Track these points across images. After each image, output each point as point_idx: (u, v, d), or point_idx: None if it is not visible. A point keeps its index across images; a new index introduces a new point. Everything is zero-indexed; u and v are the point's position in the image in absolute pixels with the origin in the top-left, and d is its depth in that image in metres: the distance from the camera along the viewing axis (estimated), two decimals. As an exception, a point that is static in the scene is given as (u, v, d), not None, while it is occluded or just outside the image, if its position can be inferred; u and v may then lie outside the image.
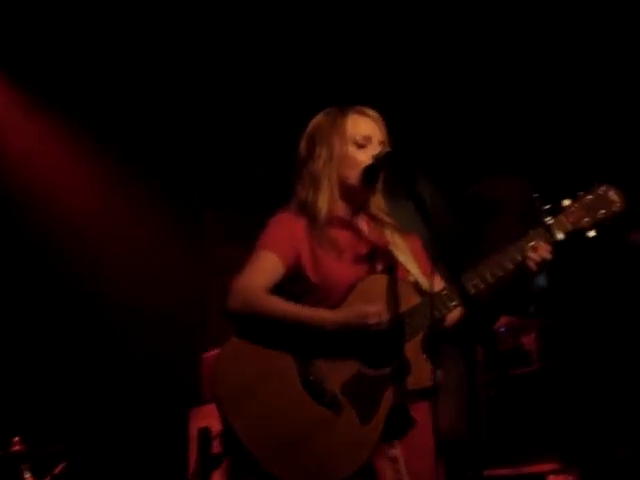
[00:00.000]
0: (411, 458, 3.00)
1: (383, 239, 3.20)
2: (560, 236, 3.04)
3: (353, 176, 3.15)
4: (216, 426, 5.42)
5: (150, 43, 5.87)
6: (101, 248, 6.05)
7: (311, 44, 5.91)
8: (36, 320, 5.80)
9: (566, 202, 3.08)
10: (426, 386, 2.97)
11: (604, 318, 5.67)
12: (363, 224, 3.25)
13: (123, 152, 6.13)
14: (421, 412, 3.04)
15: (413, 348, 2.97)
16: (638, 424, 5.21)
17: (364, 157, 3.14)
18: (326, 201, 3.15)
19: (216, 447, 5.52)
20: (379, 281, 3.06)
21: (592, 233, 3.06)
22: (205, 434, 5.64)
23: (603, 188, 3.09)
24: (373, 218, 3.25)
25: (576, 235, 3.07)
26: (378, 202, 3.25)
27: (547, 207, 3.07)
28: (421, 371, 2.95)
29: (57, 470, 4.75)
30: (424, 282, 3.07)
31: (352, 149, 3.16)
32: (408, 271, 3.12)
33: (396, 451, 3.00)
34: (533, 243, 3.02)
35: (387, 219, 3.24)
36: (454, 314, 3.11)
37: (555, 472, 5.16)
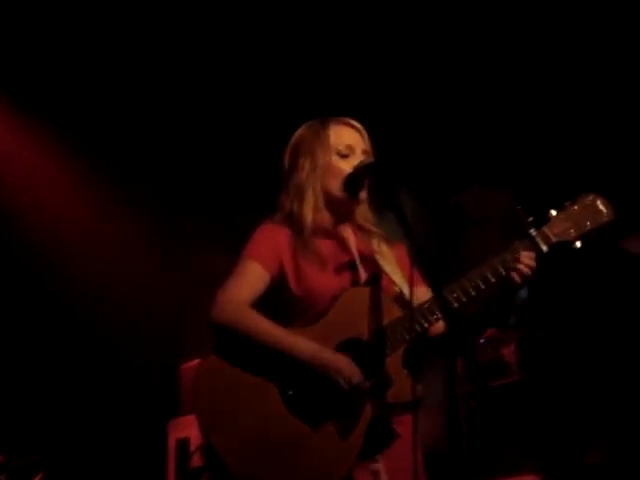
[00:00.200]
0: (395, 472, 2.98)
1: (369, 248, 3.19)
2: (544, 248, 2.96)
3: (337, 186, 3.14)
4: (195, 437, 5.45)
5: (135, 51, 5.84)
6: (80, 257, 6.01)
7: (296, 54, 5.90)
8: (14, 330, 5.75)
9: (552, 212, 2.98)
10: (406, 400, 2.94)
11: (584, 329, 5.69)
12: (349, 233, 3.23)
13: (106, 161, 6.11)
14: (405, 426, 3.02)
15: (394, 362, 2.95)
16: (618, 434, 5.23)
17: (347, 167, 3.13)
18: (310, 211, 3.14)
19: (196, 460, 5.52)
20: (361, 294, 3.04)
21: (578, 244, 2.97)
22: (183, 446, 5.63)
23: (590, 198, 2.99)
24: (360, 228, 3.24)
25: (561, 246, 3.00)
26: (364, 212, 3.23)
27: (531, 219, 2.98)
28: (402, 385, 2.93)
29: (36, 479, 4.72)
30: (408, 293, 3.06)
31: (335, 159, 3.15)
32: (393, 281, 3.11)
33: (378, 465, 2.98)
34: (517, 255, 2.96)
35: (374, 229, 3.23)
36: (440, 325, 3.10)
37: (534, 483, 5.17)
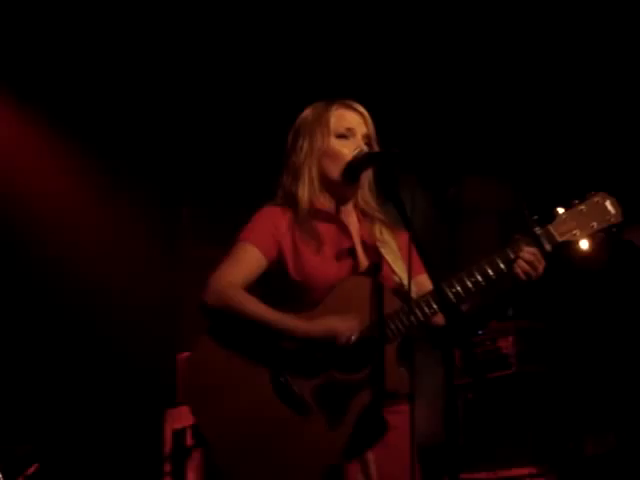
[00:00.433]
0: (386, 462, 2.96)
1: (372, 235, 3.16)
2: (548, 247, 2.90)
3: (333, 168, 3.11)
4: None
5: (131, 42, 5.82)
6: (76, 247, 5.99)
7: (296, 40, 5.87)
8: (6, 319, 5.73)
9: (558, 211, 2.91)
10: (399, 392, 2.93)
11: (582, 321, 5.68)
12: (353, 219, 3.21)
13: (102, 151, 6.08)
14: (400, 416, 3.00)
15: (389, 353, 2.93)
16: (615, 426, 5.22)
17: (345, 149, 3.10)
18: (306, 192, 3.12)
19: (188, 439, 5.52)
20: (359, 283, 3.01)
21: (584, 245, 2.91)
22: (180, 436, 5.62)
23: (598, 198, 2.92)
24: (363, 213, 3.22)
25: (566, 246, 2.92)
26: (367, 198, 3.21)
27: (536, 216, 2.91)
28: (395, 377, 2.91)
29: (30, 471, 4.70)
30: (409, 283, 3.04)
31: (334, 141, 3.13)
32: (394, 271, 3.08)
33: (367, 455, 2.97)
34: (519, 251, 2.90)
35: (377, 215, 3.20)
36: (435, 319, 3.08)
37: (532, 476, 5.17)
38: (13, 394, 5.61)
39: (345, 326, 2.88)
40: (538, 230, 2.92)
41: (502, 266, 2.92)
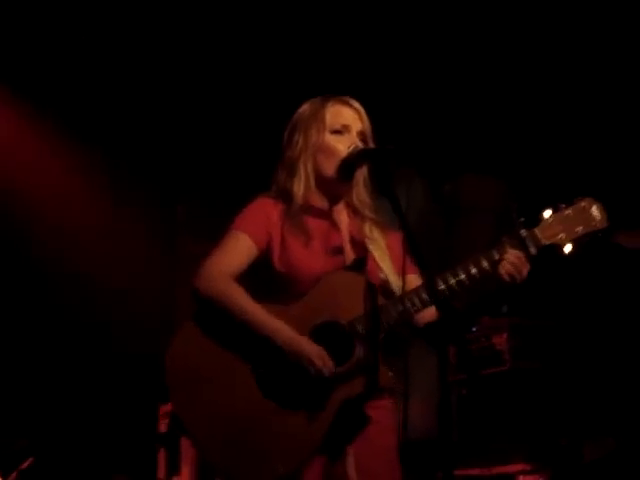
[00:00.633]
0: (366, 456, 2.97)
1: (361, 233, 3.18)
2: (533, 250, 2.91)
3: (328, 164, 3.13)
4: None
5: (128, 40, 5.82)
6: (75, 245, 6.00)
7: (292, 37, 5.87)
8: (5, 317, 5.73)
9: (545, 214, 2.93)
10: (374, 389, 2.94)
11: (576, 318, 5.69)
12: (343, 215, 3.22)
13: (99, 148, 6.09)
14: (383, 410, 3.03)
15: (370, 350, 2.93)
16: (609, 424, 5.24)
17: (340, 145, 3.11)
18: (301, 187, 3.13)
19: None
20: (344, 278, 3.03)
21: (568, 249, 2.91)
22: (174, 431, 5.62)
23: (585, 203, 2.94)
24: (355, 211, 3.23)
25: (550, 251, 2.94)
26: (361, 195, 3.22)
27: (523, 219, 2.94)
28: (373, 373, 2.92)
29: (24, 465, 4.71)
30: (395, 281, 3.06)
31: (329, 136, 3.14)
32: (380, 268, 3.10)
33: (347, 448, 2.97)
34: (504, 253, 2.91)
35: (368, 213, 3.21)
36: (427, 315, 3.09)
37: (525, 472, 5.18)
38: (10, 389, 5.62)
39: (321, 363, 2.89)
40: (524, 233, 2.93)
41: (486, 266, 2.93)
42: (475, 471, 5.37)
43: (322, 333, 2.96)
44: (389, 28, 5.81)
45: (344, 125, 3.15)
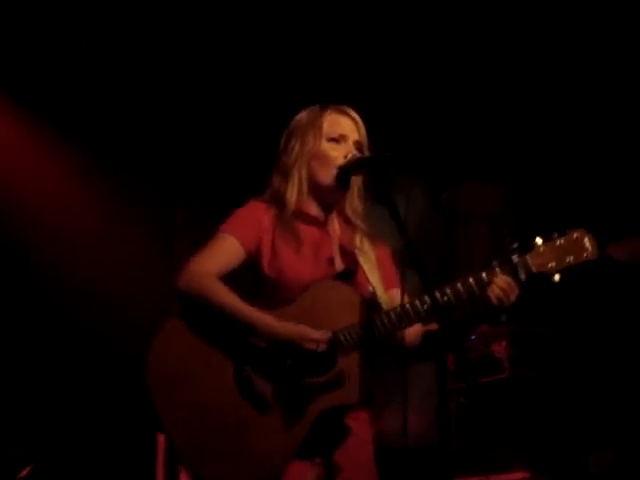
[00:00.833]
0: (348, 468, 2.98)
1: (351, 243, 3.19)
2: (523, 277, 2.95)
3: (322, 171, 3.14)
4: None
5: (128, 45, 5.82)
6: (73, 251, 5.98)
7: (292, 43, 5.87)
8: (4, 323, 5.73)
9: (537, 241, 2.96)
10: (355, 402, 2.94)
11: (575, 326, 5.69)
12: (335, 224, 3.23)
13: (98, 155, 6.08)
14: (361, 422, 3.05)
15: (352, 362, 2.94)
16: (609, 431, 5.23)
17: (335, 153, 3.13)
18: (295, 193, 3.14)
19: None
20: (332, 287, 3.03)
21: (557, 278, 2.95)
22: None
23: (577, 234, 2.98)
24: (346, 220, 3.24)
25: (539, 278, 2.97)
26: (355, 205, 3.23)
27: (516, 244, 2.97)
28: (354, 386, 2.92)
29: (23, 473, 4.70)
30: (382, 295, 3.07)
31: (325, 144, 3.16)
32: (368, 281, 3.11)
33: (330, 460, 2.99)
34: (494, 276, 2.93)
35: (360, 224, 3.22)
36: (412, 335, 3.09)
37: (524, 480, 5.18)
38: (8, 396, 5.61)
39: (317, 335, 2.90)
40: (516, 258, 2.96)
41: (475, 288, 2.94)
42: (474, 479, 5.36)
43: None
44: (388, 36, 5.81)
45: (341, 134, 3.16)
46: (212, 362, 2.96)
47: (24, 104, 5.89)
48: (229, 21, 5.75)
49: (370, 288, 3.09)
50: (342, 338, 2.93)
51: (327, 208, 3.21)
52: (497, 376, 5.51)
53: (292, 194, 3.14)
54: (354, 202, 3.22)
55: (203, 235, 3.21)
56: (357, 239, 3.19)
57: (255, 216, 3.14)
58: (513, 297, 2.93)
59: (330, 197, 3.18)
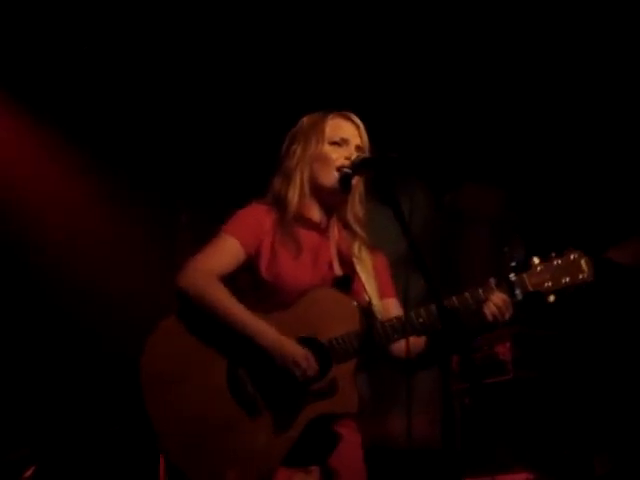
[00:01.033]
0: (341, 475, 3.00)
1: (350, 250, 3.20)
2: (519, 296, 2.99)
3: (323, 173, 3.15)
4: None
5: (132, 47, 5.82)
6: (75, 252, 5.98)
7: (295, 47, 5.87)
8: (5, 325, 5.72)
9: (535, 261, 3.01)
10: (347, 412, 2.96)
11: (579, 328, 5.68)
12: (334, 230, 3.24)
13: (100, 156, 6.07)
14: (350, 429, 3.06)
15: (345, 371, 2.95)
16: (613, 432, 5.23)
17: (337, 155, 3.15)
18: (296, 195, 3.16)
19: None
20: (330, 296, 3.05)
21: (552, 298, 2.99)
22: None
23: (575, 255, 3.02)
24: (346, 226, 3.24)
25: (535, 297, 3.01)
26: (356, 210, 3.24)
27: (514, 263, 3.00)
28: (346, 395, 2.93)
29: (26, 474, 4.70)
30: (377, 304, 3.09)
31: (327, 147, 3.18)
32: (365, 289, 3.11)
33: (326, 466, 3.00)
34: (490, 293, 2.96)
35: (359, 231, 3.23)
36: (416, 344, 3.10)
37: (529, 481, 5.17)
38: (10, 398, 5.61)
39: (306, 365, 2.90)
40: (513, 277, 2.99)
41: (471, 303, 2.97)
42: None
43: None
44: (389, 39, 5.81)
45: (343, 138, 3.18)
46: (206, 363, 2.96)
47: (24, 104, 5.89)
48: (234, 29, 5.76)
49: (366, 297, 3.10)
50: (337, 346, 2.94)
51: (328, 211, 3.21)
52: (501, 377, 5.51)
53: (294, 196, 3.15)
54: (355, 207, 3.23)
55: (206, 236, 3.21)
56: (355, 247, 3.21)
57: (256, 218, 3.15)
58: (507, 315, 2.97)
59: (332, 199, 3.19)
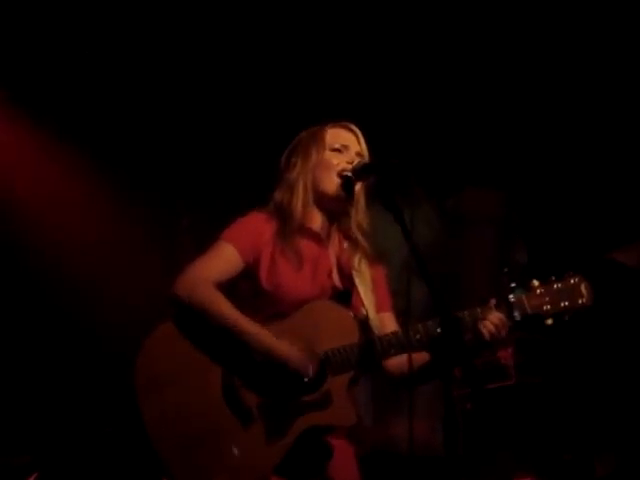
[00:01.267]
0: None
1: (349, 263, 3.19)
2: (518, 317, 3.00)
3: (325, 178, 3.16)
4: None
5: (134, 52, 5.82)
6: (75, 255, 5.98)
7: (294, 56, 5.88)
8: (6, 329, 5.72)
9: (534, 283, 3.02)
10: (342, 425, 2.97)
11: (581, 332, 5.68)
12: (335, 241, 3.24)
13: (101, 158, 6.07)
14: (343, 440, 3.07)
15: (340, 384, 2.95)
16: (615, 437, 5.22)
17: (338, 161, 3.15)
18: (300, 202, 3.16)
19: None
20: (329, 309, 3.05)
21: (549, 321, 3.01)
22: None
23: (575, 279, 3.03)
24: (347, 237, 3.24)
25: (533, 320, 3.02)
26: (359, 219, 3.24)
27: (514, 284, 3.01)
28: (340, 408, 2.94)
29: (29, 481, 4.70)
30: (374, 318, 3.09)
31: (328, 154, 3.19)
32: (363, 303, 3.12)
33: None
34: (488, 313, 2.98)
35: (362, 241, 3.23)
36: (417, 358, 3.09)
37: (531, 486, 5.16)
38: (12, 403, 5.61)
39: (302, 365, 2.91)
40: (512, 298, 3.01)
41: (468, 321, 2.98)
42: (480, 485, 5.36)
43: None
44: (389, 44, 5.82)
45: (343, 145, 3.20)
46: (201, 368, 2.96)
47: (23, 106, 5.88)
48: (236, 37, 5.78)
49: (363, 311, 3.11)
50: (332, 358, 2.94)
51: (330, 220, 3.22)
52: (504, 382, 5.50)
53: (297, 204, 3.16)
54: (359, 216, 3.24)
55: (206, 239, 3.21)
56: (356, 259, 3.21)
57: (255, 227, 3.15)
58: (504, 334, 2.98)
59: (334, 206, 3.19)
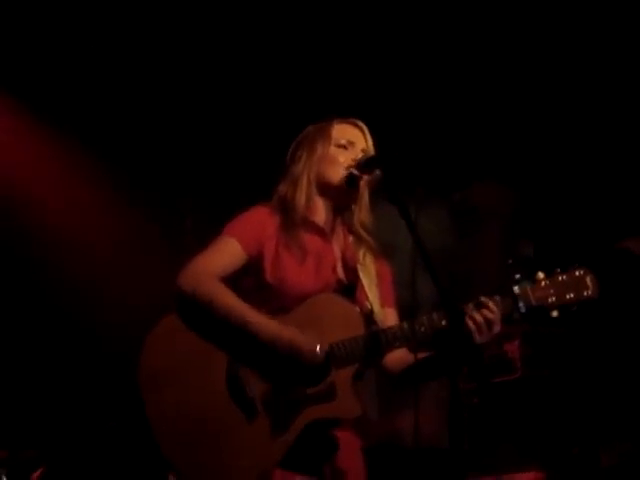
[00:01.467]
0: (340, 475, 3.01)
1: (354, 257, 3.19)
2: (523, 309, 2.99)
3: (331, 171, 3.17)
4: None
5: (136, 51, 5.82)
6: (78, 254, 5.98)
7: (298, 53, 5.88)
8: (10, 326, 5.73)
9: (539, 275, 3.01)
10: (347, 417, 2.96)
11: (588, 325, 5.67)
12: (339, 234, 3.24)
13: (104, 156, 6.08)
14: (349, 433, 3.07)
15: (344, 377, 2.94)
16: (622, 431, 5.21)
17: (343, 157, 3.16)
18: (304, 195, 3.17)
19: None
20: (333, 303, 3.04)
21: (555, 313, 3.00)
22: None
23: (581, 271, 3.02)
24: (352, 231, 3.24)
25: (538, 312, 3.00)
26: (363, 216, 3.24)
27: (518, 276, 3.00)
28: (344, 401, 2.93)
29: (35, 475, 4.71)
30: (378, 312, 3.09)
31: (333, 149, 3.20)
32: (367, 297, 3.11)
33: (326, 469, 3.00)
34: (486, 304, 2.95)
35: (365, 236, 3.24)
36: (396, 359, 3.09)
37: (537, 480, 5.16)
38: (17, 399, 5.62)
39: (310, 348, 2.90)
40: (517, 290, 2.99)
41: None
42: (487, 479, 5.35)
43: None
44: (394, 40, 5.81)
45: (349, 141, 3.21)
46: (205, 362, 2.97)
47: (25, 105, 5.89)
48: (238, 38, 5.78)
49: (368, 305, 3.11)
50: (337, 351, 2.94)
51: (334, 213, 3.21)
52: (510, 376, 5.49)
53: (300, 198, 3.16)
54: (362, 212, 3.24)
55: (210, 240, 3.21)
56: (360, 254, 3.21)
57: (259, 221, 3.15)
58: (496, 329, 2.96)
59: (338, 199, 3.19)
